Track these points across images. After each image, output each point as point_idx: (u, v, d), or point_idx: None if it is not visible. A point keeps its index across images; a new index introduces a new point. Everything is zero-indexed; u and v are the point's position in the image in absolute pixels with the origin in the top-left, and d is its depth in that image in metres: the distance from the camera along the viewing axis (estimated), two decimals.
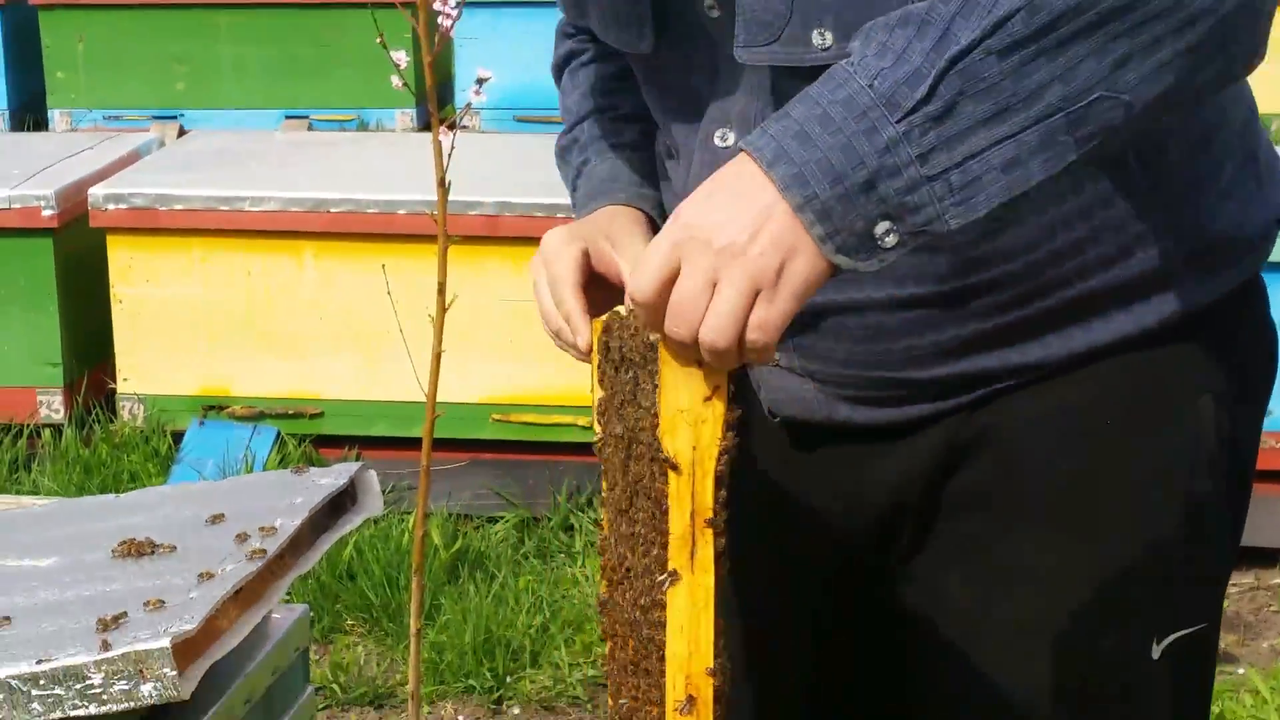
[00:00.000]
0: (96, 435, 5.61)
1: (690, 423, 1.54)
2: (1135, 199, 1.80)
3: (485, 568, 5.08)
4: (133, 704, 1.55)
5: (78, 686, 1.55)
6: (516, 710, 4.57)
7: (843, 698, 2.11)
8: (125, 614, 1.62)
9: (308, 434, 5.50)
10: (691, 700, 1.53)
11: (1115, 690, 1.95)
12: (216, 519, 1.83)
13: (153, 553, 1.78)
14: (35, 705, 1.56)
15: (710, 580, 1.54)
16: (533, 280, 1.86)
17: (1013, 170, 1.43)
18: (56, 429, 5.65)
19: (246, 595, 1.71)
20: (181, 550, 1.78)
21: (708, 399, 1.52)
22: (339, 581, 4.94)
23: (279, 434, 5.50)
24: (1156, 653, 1.94)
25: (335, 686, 4.54)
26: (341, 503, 1.92)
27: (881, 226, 1.44)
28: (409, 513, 5.27)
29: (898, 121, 1.42)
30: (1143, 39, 1.45)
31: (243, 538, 1.77)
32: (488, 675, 4.56)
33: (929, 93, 1.41)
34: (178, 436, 5.59)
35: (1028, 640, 1.93)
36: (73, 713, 1.55)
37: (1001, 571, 1.93)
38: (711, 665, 1.54)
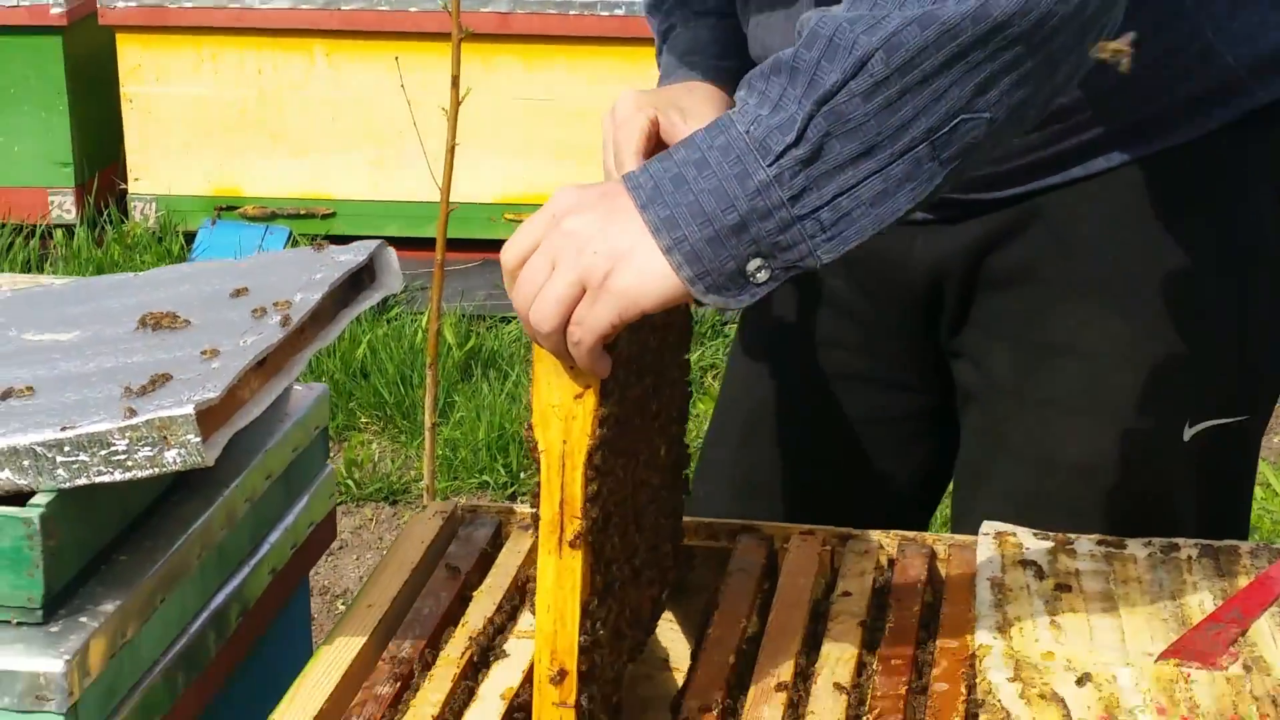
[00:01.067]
0: (109, 236, 5.60)
1: (561, 417, 1.56)
2: (1190, 20, 1.81)
3: (498, 366, 5.10)
4: (157, 470, 1.55)
5: (102, 453, 1.55)
6: (530, 505, 4.59)
7: (892, 474, 2.16)
8: (149, 383, 1.62)
9: (320, 234, 5.50)
10: (562, 674, 1.59)
11: (1144, 469, 1.98)
12: (239, 293, 1.83)
13: (174, 326, 1.79)
14: (60, 471, 1.56)
15: (577, 564, 1.58)
16: (603, 135, 1.88)
17: (881, 203, 1.46)
18: (69, 229, 5.64)
19: (268, 367, 1.71)
20: (203, 324, 1.78)
21: (579, 396, 1.55)
22: (353, 380, 4.96)
23: (291, 234, 5.49)
24: (1188, 435, 1.96)
25: (350, 483, 4.57)
26: (360, 280, 1.91)
27: (753, 264, 1.47)
28: (422, 312, 5.28)
29: (769, 165, 1.44)
30: (1005, 60, 1.45)
31: (261, 312, 1.77)
32: (501, 471, 4.59)
33: (798, 136, 1.44)
34: (190, 237, 5.58)
35: (1064, 414, 1.97)
36: (97, 478, 1.56)
37: (1043, 346, 1.96)
38: (578, 641, 1.59)
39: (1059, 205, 1.93)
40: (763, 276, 1.47)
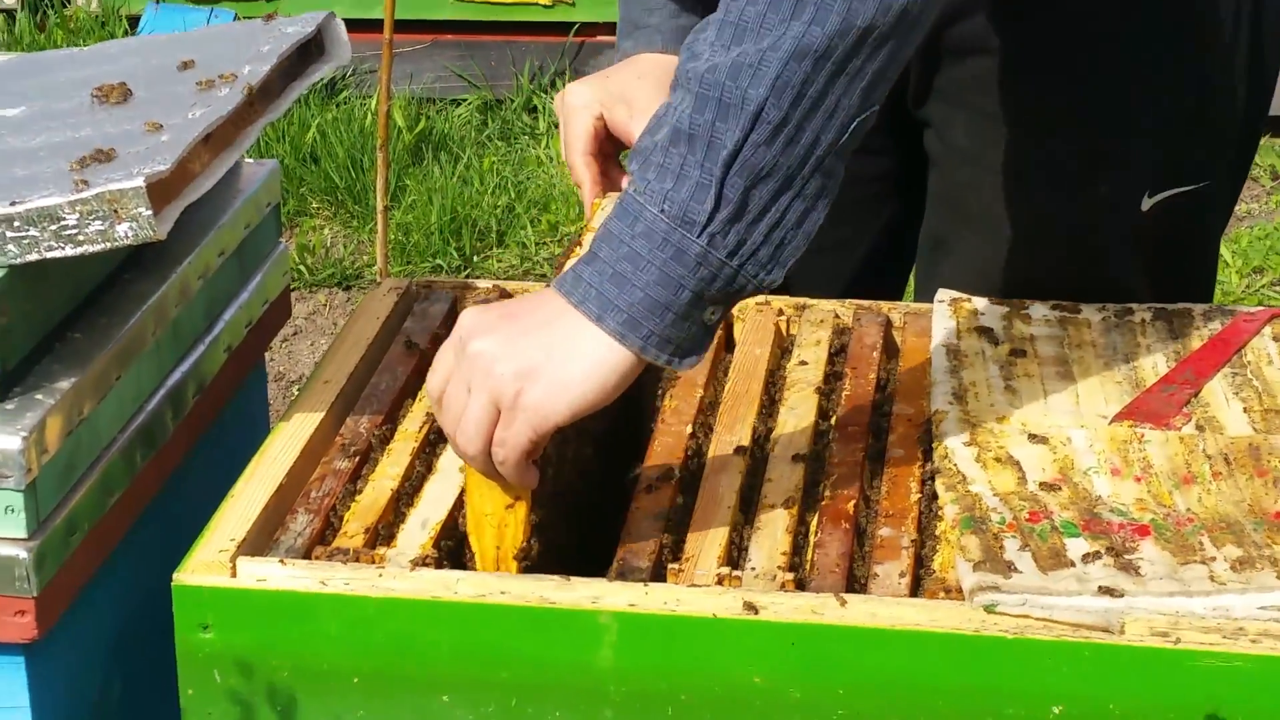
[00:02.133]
0: (51, 21, 5.51)
1: (494, 525, 1.58)
2: None
3: (449, 149, 5.07)
4: (108, 244, 1.54)
5: (53, 228, 1.53)
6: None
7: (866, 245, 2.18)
8: (98, 157, 1.60)
9: (264, 15, 5.43)
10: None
11: (1101, 237, 1.99)
12: (187, 65, 1.80)
13: (122, 101, 1.76)
14: (10, 248, 1.54)
15: None
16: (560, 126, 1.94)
17: (805, 220, 1.48)
18: (9, 14, 5.55)
19: (218, 140, 1.68)
20: (151, 97, 1.75)
21: (510, 506, 1.56)
22: (302, 165, 4.92)
23: (236, 16, 5.41)
24: (1147, 205, 1.97)
25: (303, 268, 4.56)
26: (309, 53, 1.89)
27: (708, 312, 1.49)
28: (370, 95, 5.23)
29: (699, 236, 1.45)
30: (882, 56, 1.46)
31: (208, 84, 1.75)
32: (455, 255, 4.58)
33: (717, 200, 1.45)
34: (134, 21, 5.50)
35: (1021, 182, 1.98)
36: (49, 254, 1.54)
37: (1001, 114, 1.97)
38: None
39: None
40: (716, 317, 1.51)
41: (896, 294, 2.24)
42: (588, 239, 1.79)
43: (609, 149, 1.95)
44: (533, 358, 1.49)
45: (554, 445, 1.58)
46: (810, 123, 1.45)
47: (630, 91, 1.91)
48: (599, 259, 1.49)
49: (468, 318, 1.53)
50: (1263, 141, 4.04)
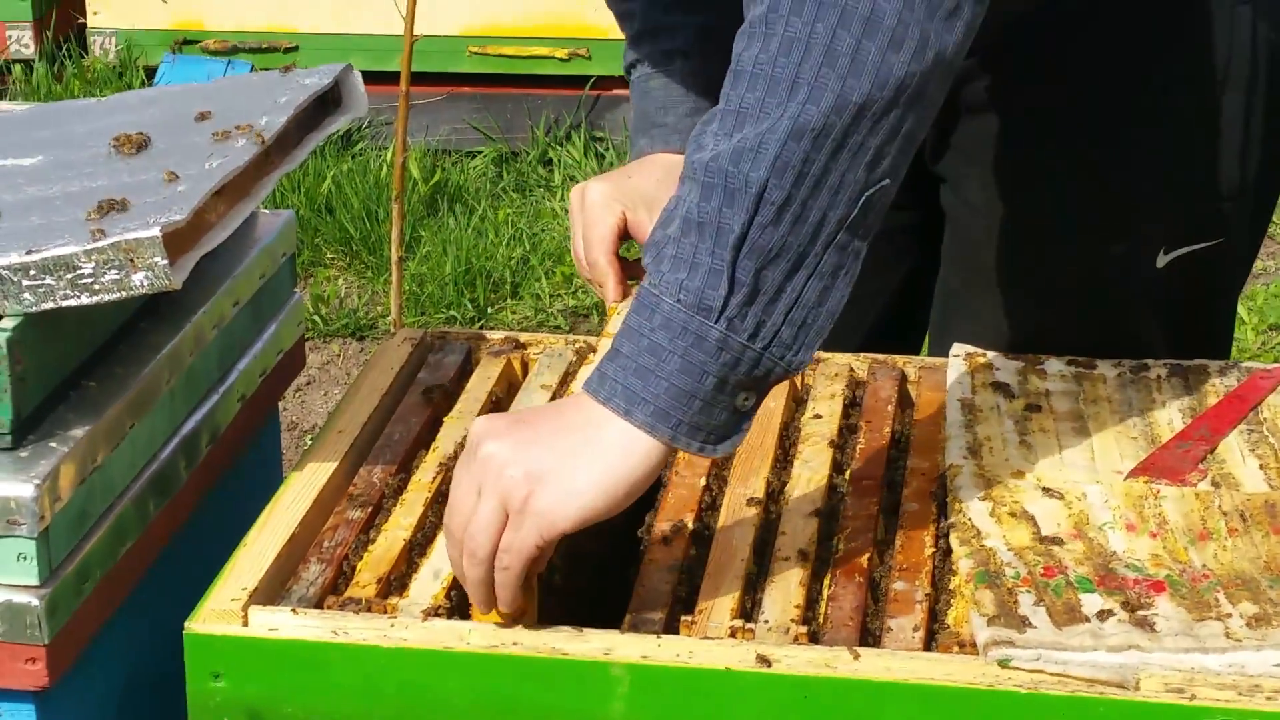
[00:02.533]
0: (68, 71, 5.54)
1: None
2: None
3: (464, 201, 5.08)
4: (123, 293, 1.54)
5: (69, 276, 1.53)
6: None
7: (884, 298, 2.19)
8: (114, 206, 1.60)
9: (282, 67, 5.45)
10: None
11: (1116, 295, 1.99)
12: (204, 116, 1.81)
13: (139, 151, 1.76)
14: (26, 296, 1.55)
15: None
16: (570, 215, 1.95)
17: (827, 298, 1.49)
18: (27, 64, 5.57)
19: (234, 190, 1.69)
20: (168, 147, 1.76)
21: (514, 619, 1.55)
22: (318, 215, 4.94)
23: (253, 68, 5.44)
24: (1162, 263, 1.97)
25: (317, 318, 4.56)
26: (326, 105, 1.89)
27: (740, 399, 1.50)
28: (386, 147, 5.24)
29: (717, 322, 1.47)
30: (885, 130, 1.47)
31: (225, 135, 1.75)
32: (469, 306, 4.59)
33: (730, 285, 1.46)
34: (150, 72, 5.52)
35: (1035, 239, 1.98)
36: (64, 302, 1.54)
37: (1016, 171, 1.98)
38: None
39: (1032, 36, 1.92)
40: (750, 403, 1.51)
41: (916, 347, 2.23)
42: (603, 344, 1.82)
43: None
44: (543, 462, 1.49)
45: (561, 554, 1.56)
46: (816, 200, 1.46)
47: (652, 195, 1.92)
48: (621, 354, 1.50)
49: (479, 424, 1.54)
50: None
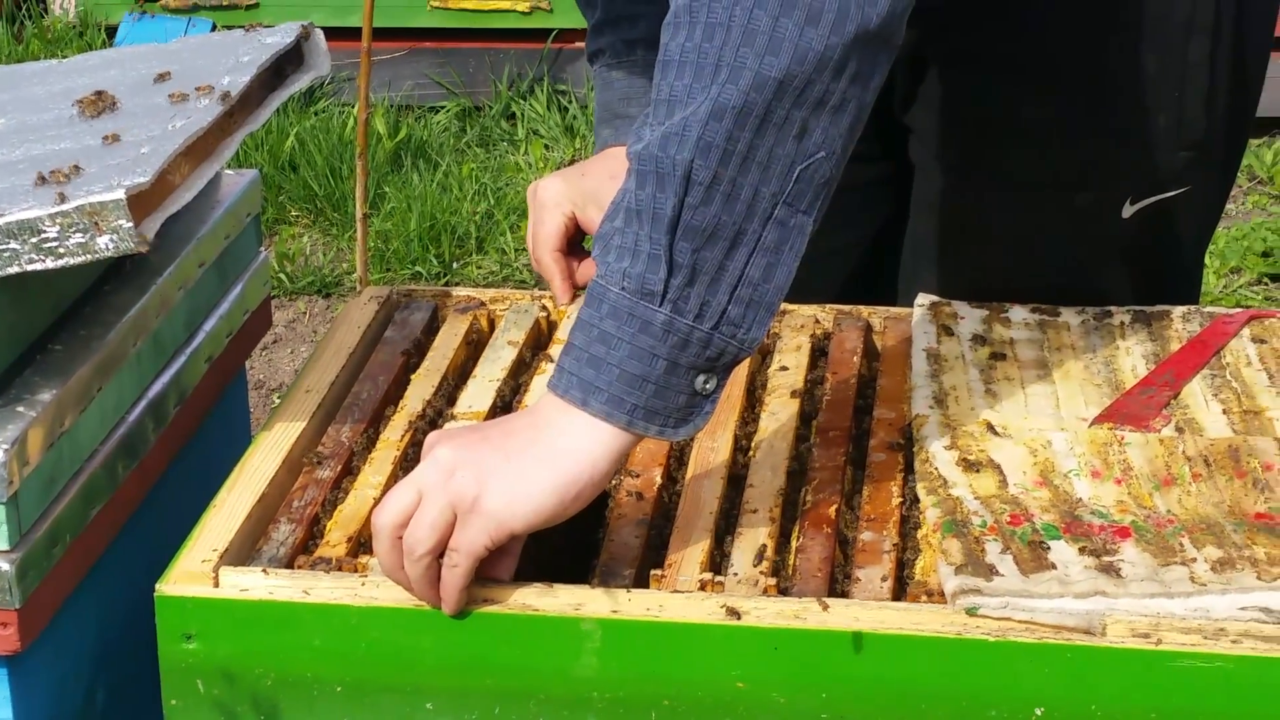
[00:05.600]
0: (28, 31, 5.51)
1: None
2: None
3: (428, 156, 5.06)
4: (89, 257, 1.53)
5: (33, 240, 1.53)
6: None
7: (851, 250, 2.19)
8: (77, 169, 1.60)
9: (243, 26, 5.43)
10: None
11: (1082, 244, 2.00)
12: (165, 77, 1.80)
13: (103, 112, 1.76)
14: None
15: None
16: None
17: (773, 273, 1.50)
18: None
19: (198, 151, 1.68)
20: (131, 109, 1.75)
21: None
22: (281, 173, 4.92)
23: (214, 26, 5.41)
24: (1129, 212, 1.97)
25: (283, 276, 4.55)
26: (288, 63, 1.89)
27: (699, 382, 1.50)
28: (349, 104, 5.22)
29: (660, 305, 1.48)
30: (808, 104, 1.47)
31: (186, 96, 1.74)
32: (434, 261, 4.58)
33: (669, 268, 1.47)
34: (111, 31, 5.50)
35: (1002, 189, 1.99)
36: (29, 267, 1.54)
37: (983, 122, 1.98)
38: None
39: None
40: (711, 385, 1.51)
41: (890, 299, 2.24)
42: (556, 350, 1.85)
43: (577, 243, 1.97)
44: (492, 462, 1.50)
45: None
46: (746, 177, 1.47)
47: (603, 192, 1.91)
48: (575, 347, 1.51)
49: (432, 435, 1.56)
50: None
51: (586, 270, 1.95)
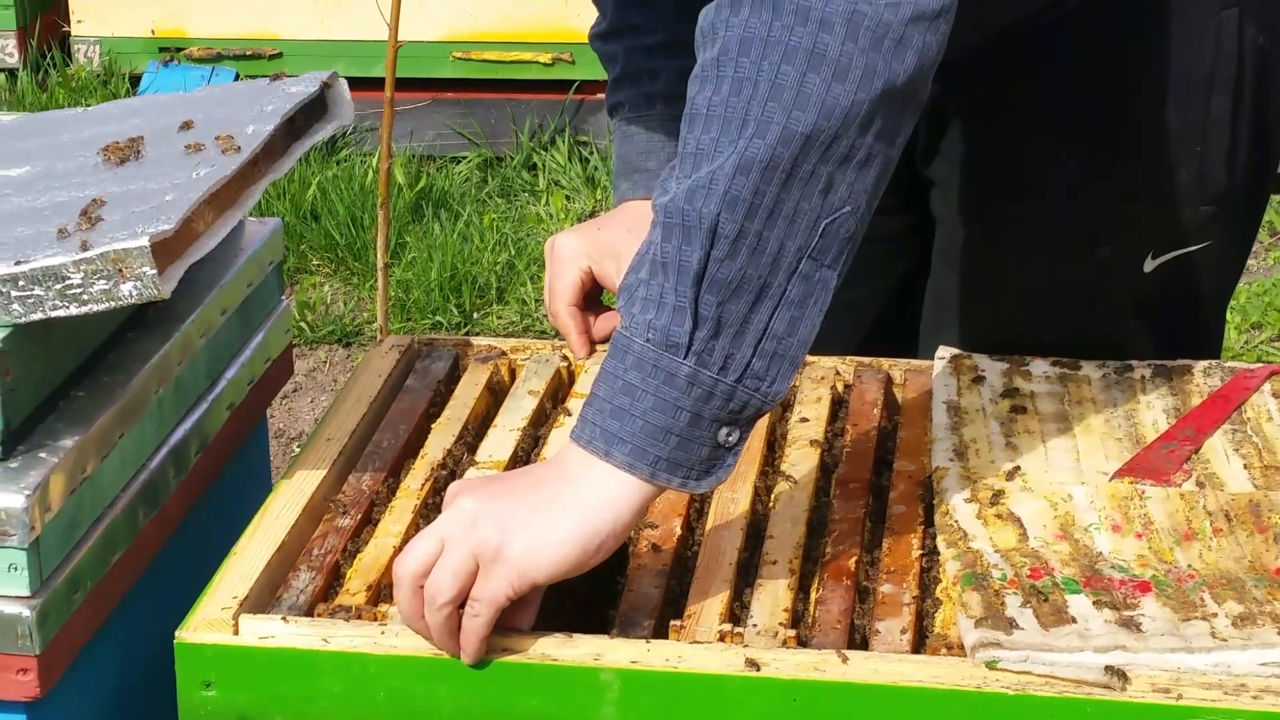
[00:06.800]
0: (52, 80, 5.54)
1: None
2: None
3: (449, 207, 5.08)
4: (112, 303, 1.54)
5: (57, 287, 1.54)
6: None
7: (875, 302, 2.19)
8: (102, 217, 1.61)
9: (266, 75, 5.45)
10: None
11: (1103, 299, 2.00)
12: (189, 126, 1.81)
13: (128, 160, 1.77)
14: (15, 307, 1.55)
15: None
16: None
17: (797, 327, 1.50)
18: (11, 74, 5.57)
19: (222, 199, 1.69)
20: (155, 157, 1.76)
21: None
22: (303, 222, 4.94)
23: (237, 76, 5.44)
24: (1150, 266, 1.98)
25: (304, 325, 4.56)
26: (313, 112, 1.90)
27: (722, 434, 1.51)
28: (371, 153, 5.24)
29: (685, 357, 1.48)
30: (834, 159, 1.48)
31: (204, 145, 1.75)
32: (455, 311, 4.59)
33: (694, 320, 1.48)
34: (135, 80, 5.52)
35: (1023, 243, 1.99)
36: (53, 313, 1.55)
37: (1005, 176, 1.99)
38: None
39: (1019, 42, 1.93)
40: (734, 438, 1.52)
41: (911, 351, 2.24)
42: (574, 404, 1.87)
43: (594, 298, 1.98)
44: (516, 513, 1.50)
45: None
46: (772, 231, 1.48)
47: (620, 246, 1.92)
48: (598, 398, 1.51)
49: (454, 485, 1.56)
50: None
51: (603, 325, 1.96)
